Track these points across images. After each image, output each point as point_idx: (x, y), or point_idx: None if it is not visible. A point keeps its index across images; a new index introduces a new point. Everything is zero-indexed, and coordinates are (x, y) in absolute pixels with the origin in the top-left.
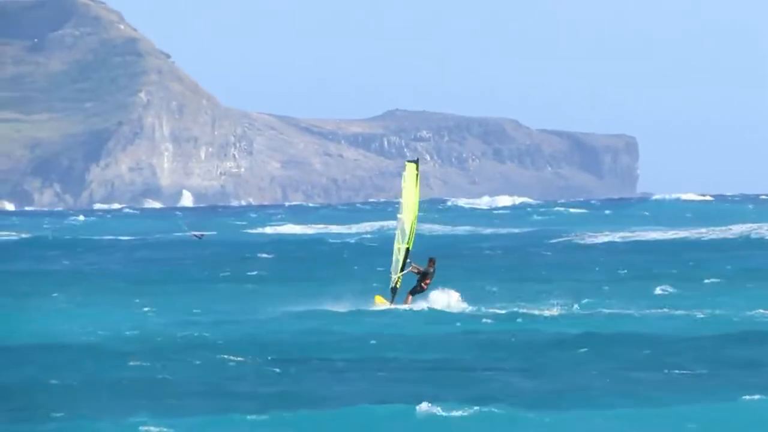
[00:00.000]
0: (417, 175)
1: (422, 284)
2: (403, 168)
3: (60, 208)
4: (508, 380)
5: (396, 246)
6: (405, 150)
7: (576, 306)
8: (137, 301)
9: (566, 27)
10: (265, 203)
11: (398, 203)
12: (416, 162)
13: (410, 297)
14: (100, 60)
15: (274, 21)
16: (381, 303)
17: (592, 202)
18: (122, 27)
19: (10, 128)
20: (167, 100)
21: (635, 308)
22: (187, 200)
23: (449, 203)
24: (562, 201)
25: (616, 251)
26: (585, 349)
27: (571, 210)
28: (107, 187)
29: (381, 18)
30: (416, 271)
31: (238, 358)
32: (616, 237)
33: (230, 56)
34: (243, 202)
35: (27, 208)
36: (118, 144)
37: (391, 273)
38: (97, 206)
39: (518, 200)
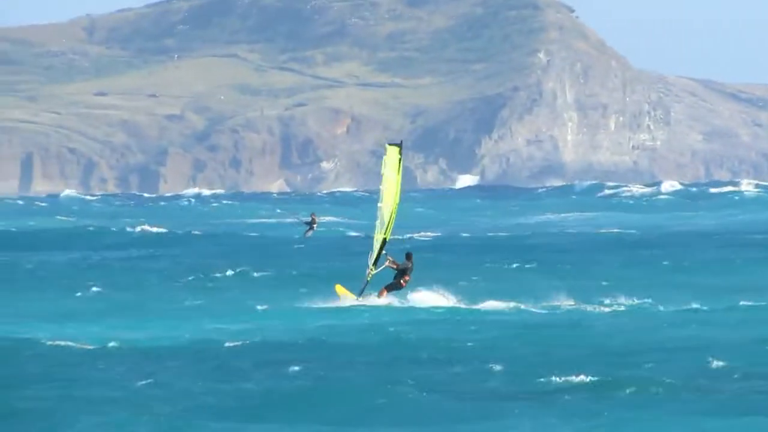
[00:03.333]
0: (400, 159)
1: (401, 281)
2: (384, 151)
3: (447, 187)
4: None
5: (375, 237)
6: None
7: None
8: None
9: None
10: (685, 182)
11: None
12: (399, 145)
13: (385, 292)
14: (491, 14)
15: None
16: (343, 294)
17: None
18: None
19: (388, 94)
20: (570, 62)
21: None
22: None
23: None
24: None
25: None
26: None
27: None
28: (501, 164)
29: None
30: (394, 266)
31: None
32: None
33: (641, 11)
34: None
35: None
36: (513, 113)
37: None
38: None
39: None
